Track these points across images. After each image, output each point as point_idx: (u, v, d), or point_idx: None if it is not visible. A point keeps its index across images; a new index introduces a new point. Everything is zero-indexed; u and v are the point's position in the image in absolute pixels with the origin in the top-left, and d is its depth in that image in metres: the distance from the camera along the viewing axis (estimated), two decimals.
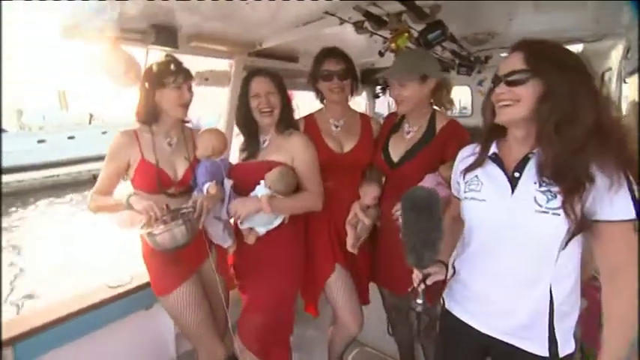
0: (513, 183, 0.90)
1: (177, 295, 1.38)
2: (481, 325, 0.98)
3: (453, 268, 1.06)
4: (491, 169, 0.95)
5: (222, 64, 1.96)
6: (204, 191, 1.35)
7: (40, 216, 9.07)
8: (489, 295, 0.96)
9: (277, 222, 1.44)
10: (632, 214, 0.80)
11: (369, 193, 1.50)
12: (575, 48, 2.41)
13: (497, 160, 0.94)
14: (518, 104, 0.85)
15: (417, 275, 1.00)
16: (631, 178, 0.80)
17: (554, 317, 0.88)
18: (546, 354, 0.89)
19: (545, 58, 0.83)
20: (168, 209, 1.26)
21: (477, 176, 0.97)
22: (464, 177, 1.01)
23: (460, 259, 1.04)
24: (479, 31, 1.98)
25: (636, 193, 0.80)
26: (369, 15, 1.36)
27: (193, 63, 1.91)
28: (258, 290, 1.49)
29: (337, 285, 1.54)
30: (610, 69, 2.49)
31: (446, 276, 1.05)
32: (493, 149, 0.96)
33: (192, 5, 1.38)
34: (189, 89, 1.41)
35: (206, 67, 1.89)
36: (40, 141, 12.52)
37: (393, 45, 1.50)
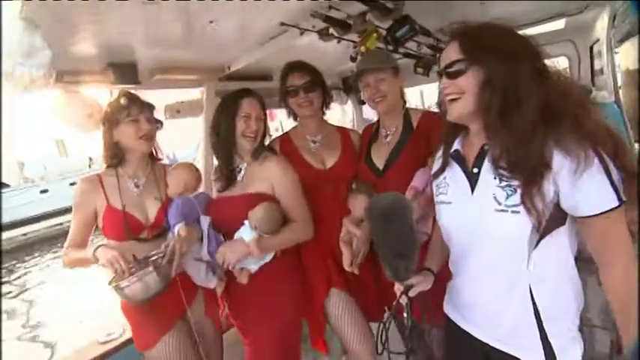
0: (473, 180, 0.83)
1: (159, 350, 1.27)
2: (476, 332, 0.90)
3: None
4: (455, 168, 0.89)
5: (193, 94, 1.90)
6: (175, 233, 1.25)
7: (46, 269, 8.99)
8: (475, 301, 0.89)
9: (269, 257, 1.34)
10: (615, 202, 0.70)
11: (358, 204, 1.39)
12: (558, 24, 2.31)
13: (457, 157, 0.88)
14: (464, 96, 0.80)
15: (398, 288, 0.92)
16: (606, 159, 0.71)
17: (542, 321, 0.80)
18: None
19: (480, 44, 0.78)
20: (136, 259, 1.16)
21: (445, 178, 0.92)
22: (434, 181, 0.96)
23: (450, 263, 0.97)
24: (453, 20, 1.90)
25: (614, 176, 0.71)
26: (330, 20, 1.28)
27: (162, 96, 1.86)
28: (261, 332, 1.37)
29: (337, 311, 1.41)
30: (598, 40, 2.39)
31: (444, 285, 0.99)
32: (456, 146, 0.90)
33: (149, 37, 1.31)
34: (149, 120, 1.34)
35: (176, 98, 1.83)
36: (43, 191, 12.61)
37: (362, 47, 1.41)
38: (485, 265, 0.86)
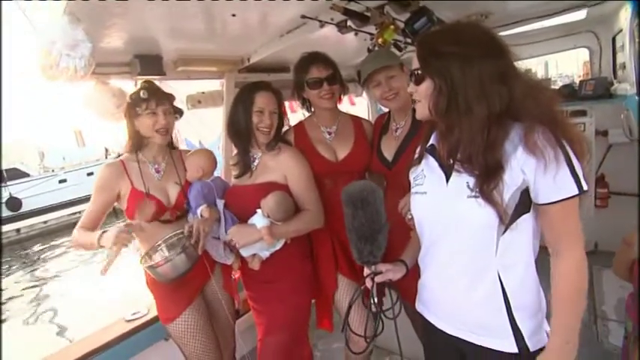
0: (448, 171, 0.87)
1: (180, 322, 1.37)
2: (447, 326, 0.93)
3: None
4: (431, 160, 0.93)
5: (214, 85, 1.95)
6: (199, 215, 1.32)
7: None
8: (444, 293, 0.92)
9: (280, 244, 1.38)
10: (574, 190, 0.74)
11: None
12: (579, 14, 2.26)
13: (433, 151, 0.93)
14: (422, 101, 0.86)
15: (366, 272, 0.97)
16: (567, 148, 0.74)
17: (511, 307, 0.83)
18: (515, 350, 0.83)
19: (433, 53, 0.81)
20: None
21: (422, 170, 0.96)
22: (412, 173, 1.00)
23: (420, 257, 0.99)
24: (470, 12, 1.89)
25: (576, 166, 0.74)
26: (349, 13, 1.31)
27: (185, 87, 1.92)
28: (273, 314, 1.44)
29: (343, 299, 1.47)
30: (621, 31, 2.33)
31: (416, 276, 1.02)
32: (432, 141, 0.95)
33: (174, 30, 1.37)
34: (166, 113, 1.39)
35: (197, 89, 1.89)
36: (62, 181, 13.07)
37: (379, 40, 1.44)
38: (454, 254, 0.87)
